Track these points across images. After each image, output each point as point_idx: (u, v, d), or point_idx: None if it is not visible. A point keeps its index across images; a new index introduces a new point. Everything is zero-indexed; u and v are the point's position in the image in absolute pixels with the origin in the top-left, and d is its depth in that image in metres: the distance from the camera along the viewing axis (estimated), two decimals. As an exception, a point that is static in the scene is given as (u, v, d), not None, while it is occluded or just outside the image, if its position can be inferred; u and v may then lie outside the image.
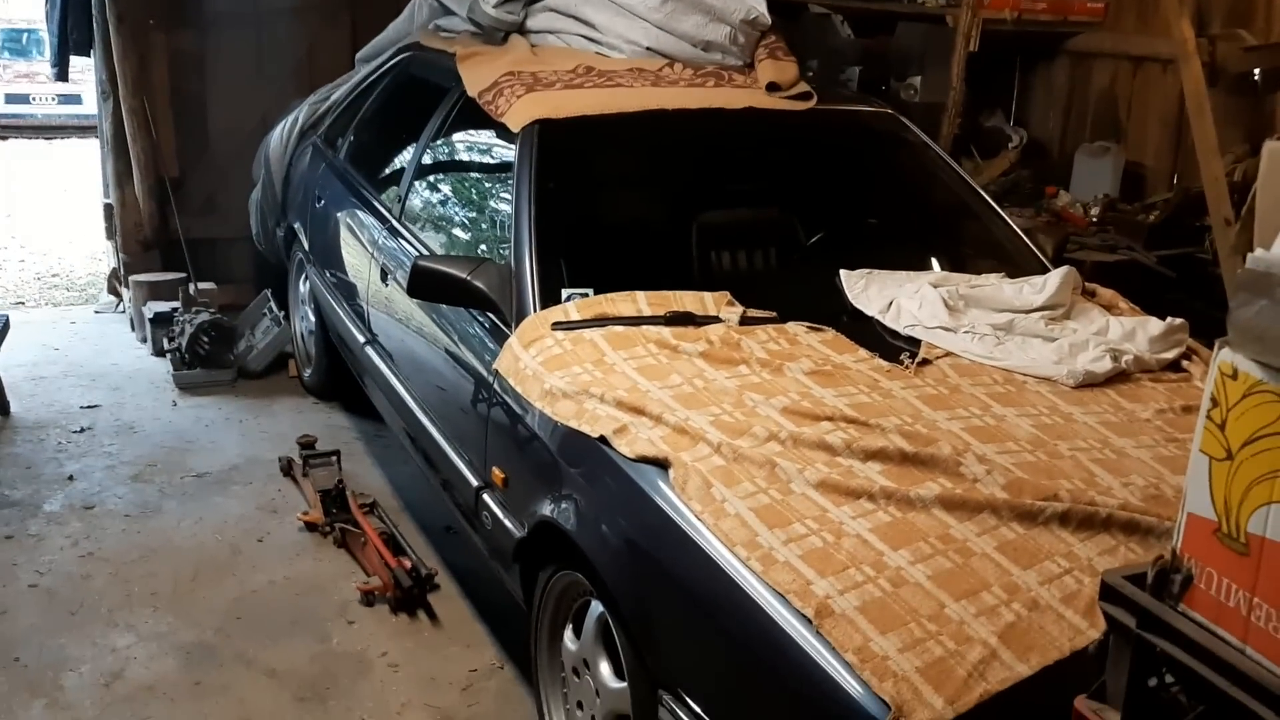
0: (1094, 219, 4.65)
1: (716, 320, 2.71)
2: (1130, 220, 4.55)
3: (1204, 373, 2.79)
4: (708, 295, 2.79)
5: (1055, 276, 2.97)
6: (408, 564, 3.27)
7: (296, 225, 4.62)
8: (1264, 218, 1.19)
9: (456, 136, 3.69)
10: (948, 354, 2.67)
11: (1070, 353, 2.71)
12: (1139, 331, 2.83)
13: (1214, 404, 1.15)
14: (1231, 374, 1.13)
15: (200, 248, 5.40)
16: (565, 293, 2.79)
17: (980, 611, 1.82)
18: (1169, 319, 2.86)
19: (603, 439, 2.29)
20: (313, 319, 4.51)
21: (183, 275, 5.26)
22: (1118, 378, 2.66)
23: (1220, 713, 1.14)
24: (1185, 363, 2.80)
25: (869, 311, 2.85)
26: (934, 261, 3.22)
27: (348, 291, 3.95)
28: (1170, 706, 1.20)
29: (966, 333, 2.75)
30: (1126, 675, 1.21)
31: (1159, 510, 2.07)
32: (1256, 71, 4.43)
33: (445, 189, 3.69)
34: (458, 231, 3.46)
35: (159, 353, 5.02)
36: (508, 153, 3.16)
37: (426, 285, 2.83)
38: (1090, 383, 2.61)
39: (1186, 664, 1.15)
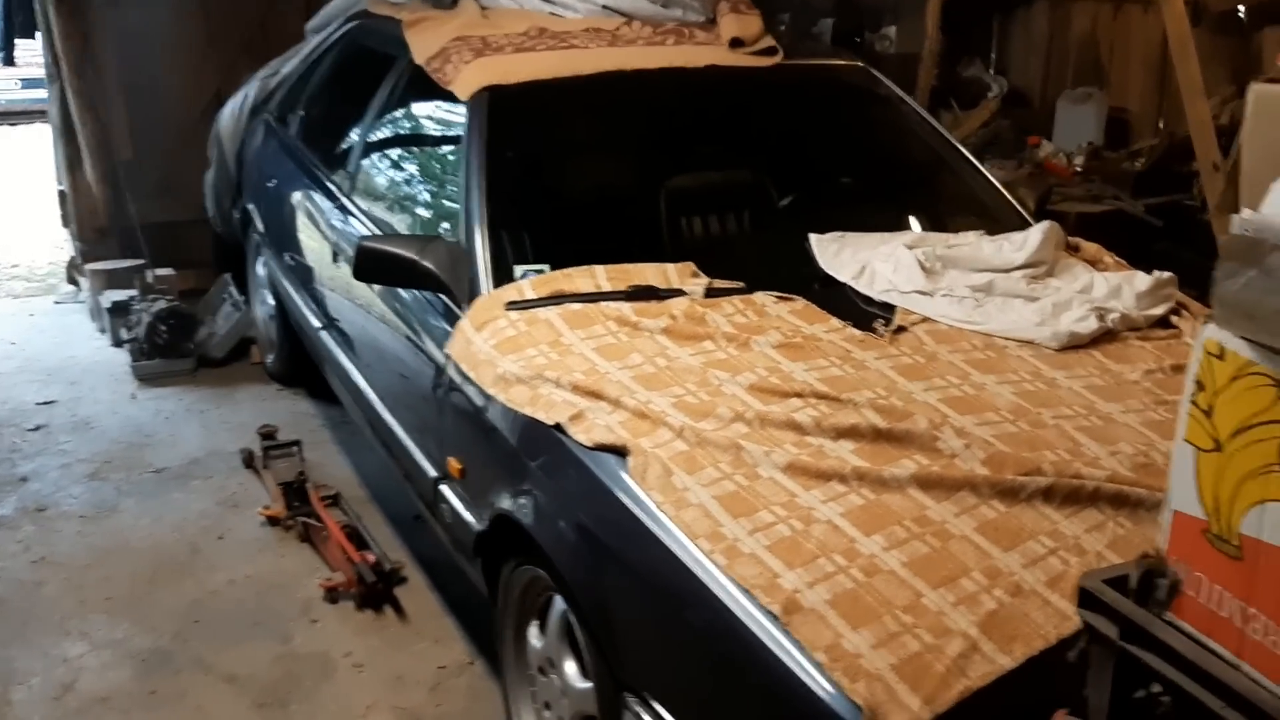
0: (1078, 169, 4.50)
1: (680, 294, 2.56)
2: (1115, 169, 4.40)
3: (1195, 328, 2.66)
4: (670, 267, 2.64)
5: (1036, 232, 2.83)
6: (372, 558, 3.14)
7: (251, 206, 4.46)
8: (1252, 172, 1.05)
9: (406, 108, 3.52)
10: (924, 320, 2.54)
11: (1053, 313, 2.57)
12: (1125, 287, 2.69)
13: (1199, 388, 1.00)
14: (1218, 354, 0.98)
15: (158, 232, 5.22)
16: (519, 270, 2.64)
17: (959, 600, 1.70)
18: (1156, 272, 2.73)
19: (558, 426, 2.15)
20: (272, 303, 4.36)
21: (140, 262, 5.09)
22: (1104, 337, 2.53)
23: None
24: (1175, 318, 2.66)
25: (841, 277, 2.70)
26: (910, 221, 3.07)
27: (303, 275, 3.80)
28: (1159, 720, 1.07)
29: (944, 296, 2.61)
30: (1109, 691, 1.08)
31: (1149, 480, 1.95)
32: (1241, 8, 4.27)
33: (395, 164, 3.52)
34: (408, 209, 3.30)
35: (118, 343, 4.86)
36: (458, 123, 3.00)
37: (373, 267, 2.67)
38: (1075, 344, 2.48)
39: (1175, 681, 1.01)
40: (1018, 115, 5.06)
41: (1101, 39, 4.97)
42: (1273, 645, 0.94)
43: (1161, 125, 4.67)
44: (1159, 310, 2.65)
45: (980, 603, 1.69)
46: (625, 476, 2.00)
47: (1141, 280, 2.70)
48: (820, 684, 1.58)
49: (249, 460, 3.81)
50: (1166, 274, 2.72)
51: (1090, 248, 2.98)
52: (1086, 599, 1.12)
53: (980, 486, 1.93)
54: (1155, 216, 4.11)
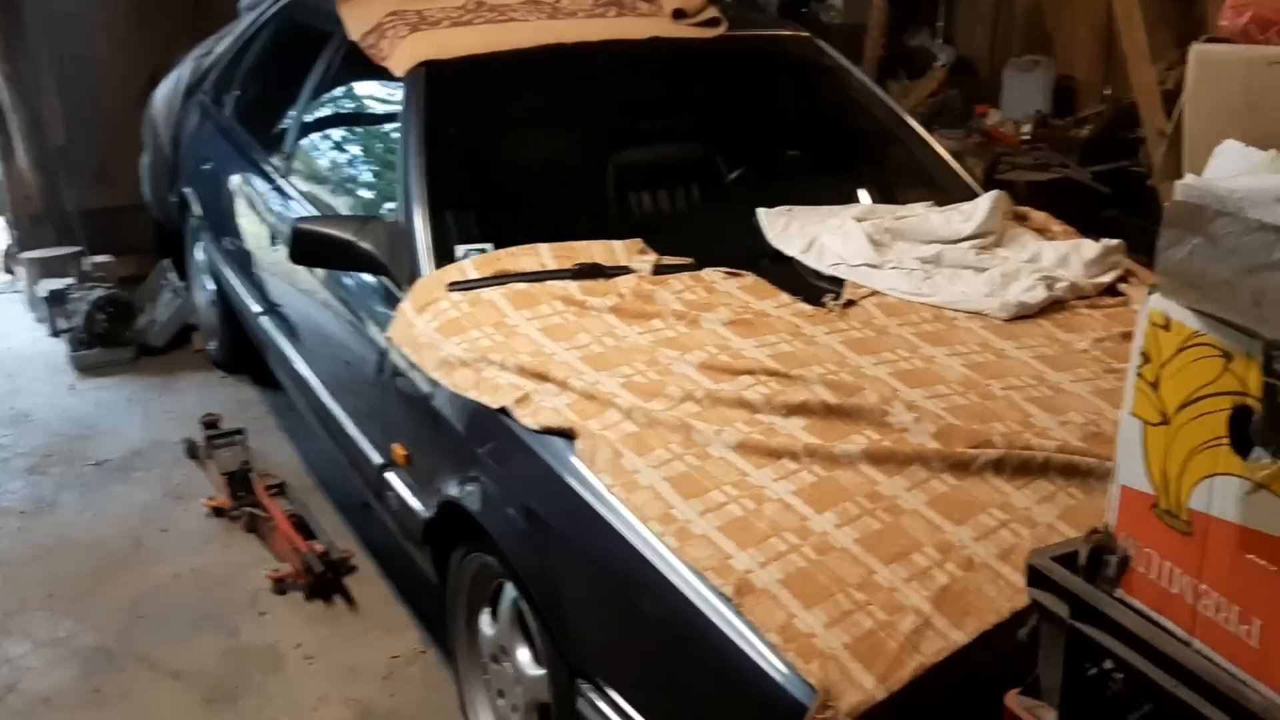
0: (1026, 137, 4.50)
1: (628, 271, 2.52)
2: (1063, 136, 4.39)
3: (1144, 296, 2.66)
4: (617, 244, 2.59)
5: (984, 202, 2.81)
6: (320, 548, 3.08)
7: (187, 190, 4.34)
8: (1194, 136, 1.02)
9: (341, 85, 3.43)
10: (873, 293, 2.51)
11: (1002, 283, 2.56)
12: (1073, 255, 2.68)
13: (1145, 360, 0.98)
14: (1164, 325, 0.95)
15: (94, 218, 5.08)
16: (461, 249, 2.58)
17: (912, 575, 1.68)
18: (1104, 240, 2.72)
19: (504, 410, 2.10)
20: (212, 288, 4.26)
21: (77, 249, 4.95)
22: (1052, 306, 2.51)
23: (1168, 710, 0.99)
24: (1123, 285, 2.66)
25: (790, 252, 2.67)
26: (858, 193, 3.04)
27: (242, 259, 3.71)
28: (1113, 700, 1.05)
29: (892, 269, 2.59)
30: (1061, 670, 1.05)
31: (1099, 450, 1.94)
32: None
33: (332, 144, 3.44)
34: (346, 189, 3.22)
35: (56, 333, 4.73)
36: (395, 100, 2.92)
37: (309, 250, 2.60)
38: (1024, 314, 2.46)
39: (1126, 659, 0.99)
40: (965, 84, 5.05)
41: (1048, 7, 4.96)
42: (1224, 621, 0.93)
43: (1108, 92, 4.67)
44: (1107, 278, 2.64)
45: (933, 578, 1.67)
46: (573, 460, 1.96)
47: (1089, 248, 2.69)
48: (774, 665, 1.56)
49: (192, 450, 3.73)
50: (1114, 241, 2.71)
51: (1038, 216, 2.97)
52: (1035, 577, 1.10)
53: (931, 460, 1.91)
54: (1103, 183, 4.12)
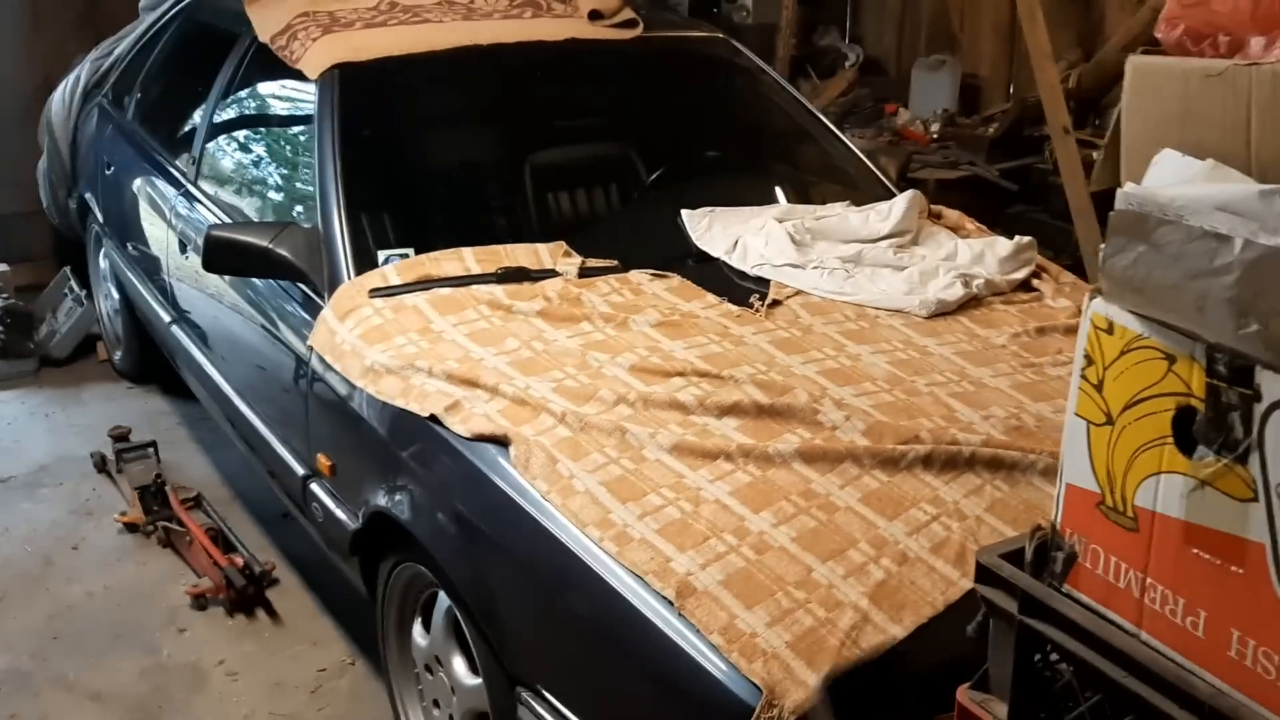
0: (935, 136, 4.59)
1: (553, 274, 2.51)
2: (970, 134, 4.50)
3: (1055, 290, 2.74)
4: (542, 247, 2.58)
5: (901, 202, 2.86)
6: (240, 561, 3.01)
7: (88, 195, 4.20)
8: (1133, 146, 1.05)
9: (251, 88, 3.35)
10: (798, 293, 2.54)
11: (921, 281, 2.61)
12: (988, 253, 2.74)
13: (1088, 362, 1.00)
14: (1106, 328, 0.98)
15: (-11, 226, 4.89)
16: (382, 255, 2.55)
17: (849, 571, 1.70)
18: (1017, 238, 2.79)
19: (433, 418, 2.08)
20: (117, 297, 4.13)
21: (-31, 258, 4.75)
22: (970, 303, 2.57)
23: (1116, 701, 1.02)
24: (1036, 281, 2.73)
25: (714, 253, 2.69)
26: (778, 194, 3.07)
27: (148, 266, 3.60)
28: (1062, 691, 1.08)
29: (815, 268, 2.62)
30: (1011, 664, 1.08)
31: (1022, 443, 1.99)
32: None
33: (243, 147, 3.36)
34: (259, 194, 3.15)
35: (-50, 346, 4.54)
36: (308, 102, 2.87)
37: (223, 257, 2.54)
38: (943, 311, 2.51)
39: (1075, 652, 1.02)
40: (875, 84, 5.13)
41: (952, 6, 5.07)
42: (1170, 613, 0.96)
43: (1012, 90, 4.79)
44: (1020, 274, 2.71)
45: (869, 573, 1.69)
46: (507, 466, 1.95)
47: (1003, 246, 2.76)
48: (718, 666, 1.57)
49: (101, 464, 3.61)
50: (1026, 239, 2.78)
51: (952, 215, 3.04)
52: (984, 574, 1.12)
53: (862, 457, 1.94)
54: (1010, 180, 4.23)
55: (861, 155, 3.26)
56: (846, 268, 2.66)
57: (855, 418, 2.04)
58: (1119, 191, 0.95)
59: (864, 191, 3.09)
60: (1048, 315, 2.56)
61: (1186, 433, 0.92)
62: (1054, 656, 1.06)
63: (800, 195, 3.10)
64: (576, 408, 2.03)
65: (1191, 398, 0.91)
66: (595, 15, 3.18)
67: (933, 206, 3.03)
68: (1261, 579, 0.88)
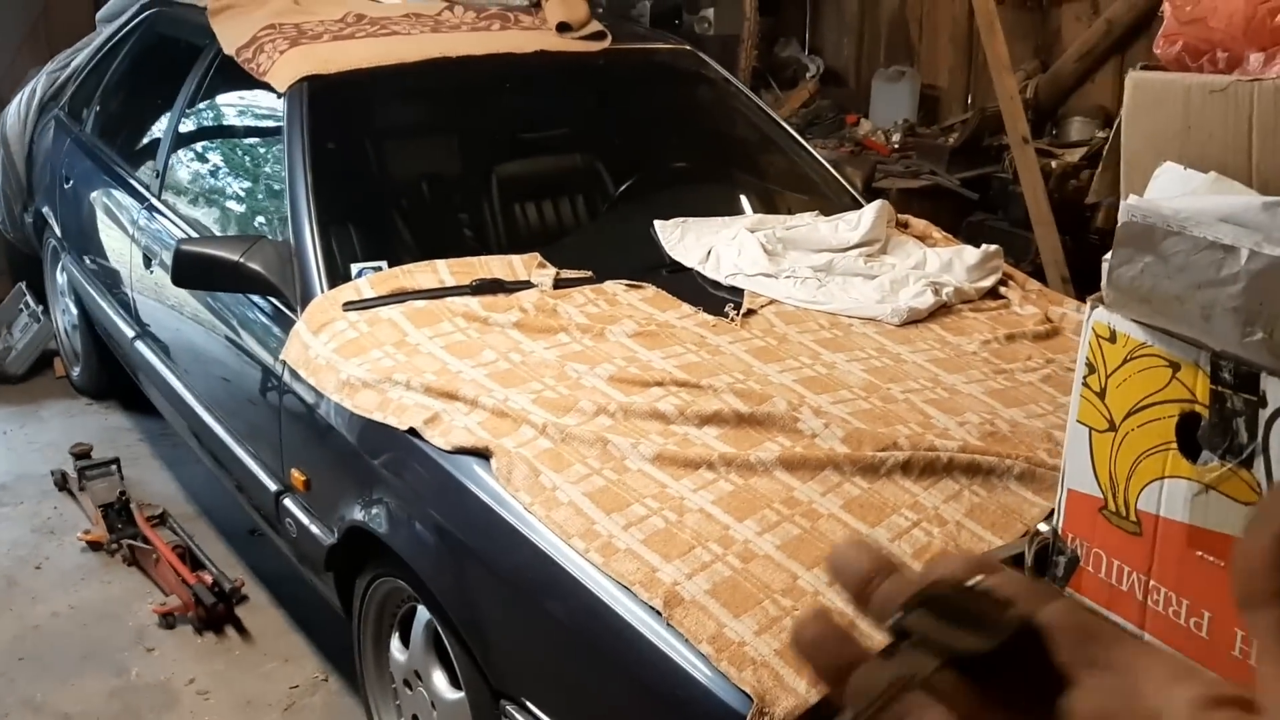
0: (896, 146, 4.64)
1: (528, 285, 2.51)
2: (931, 144, 4.55)
3: (1022, 297, 2.78)
4: (516, 259, 2.58)
5: (869, 211, 2.89)
6: (209, 578, 2.97)
7: (45, 210, 4.13)
8: (1133, 159, 1.06)
9: (216, 100, 3.32)
10: (772, 302, 2.56)
11: (892, 290, 2.63)
12: (955, 261, 2.78)
13: (1090, 370, 1.02)
14: (1109, 337, 1.00)
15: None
16: (355, 268, 2.53)
17: (836, 579, 1.71)
18: (984, 246, 2.83)
19: (413, 431, 2.07)
20: (75, 312, 4.06)
21: (-80, 274, 4.66)
22: (940, 311, 2.60)
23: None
24: (1003, 289, 2.76)
25: (688, 262, 2.70)
26: (748, 203, 3.10)
27: (109, 280, 3.55)
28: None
29: (787, 277, 2.64)
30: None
31: (998, 448, 2.02)
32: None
33: (209, 160, 3.32)
34: (227, 207, 3.12)
35: (-98, 364, 4.44)
36: (276, 115, 2.84)
37: (194, 272, 2.51)
38: (914, 319, 2.54)
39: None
40: (835, 95, 5.18)
41: (910, 18, 5.13)
42: (1173, 615, 0.97)
43: (971, 100, 4.86)
44: (988, 282, 2.75)
45: (854, 581, 1.71)
46: (488, 479, 1.94)
47: (970, 254, 2.80)
48: (707, 675, 1.57)
49: (63, 482, 3.55)
50: (993, 247, 2.82)
51: (918, 224, 3.07)
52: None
53: (842, 464, 1.95)
54: (970, 189, 4.28)
55: (828, 165, 3.29)
56: (818, 277, 2.68)
57: (834, 425, 2.06)
58: (1123, 204, 0.97)
59: (832, 201, 3.11)
60: (1016, 322, 2.60)
61: (1191, 438, 0.94)
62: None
63: (770, 205, 3.12)
64: (557, 419, 2.02)
65: (1196, 404, 0.93)
66: (564, 27, 3.18)
67: (900, 216, 3.07)
68: (1266, 579, 0.89)
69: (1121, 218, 0.94)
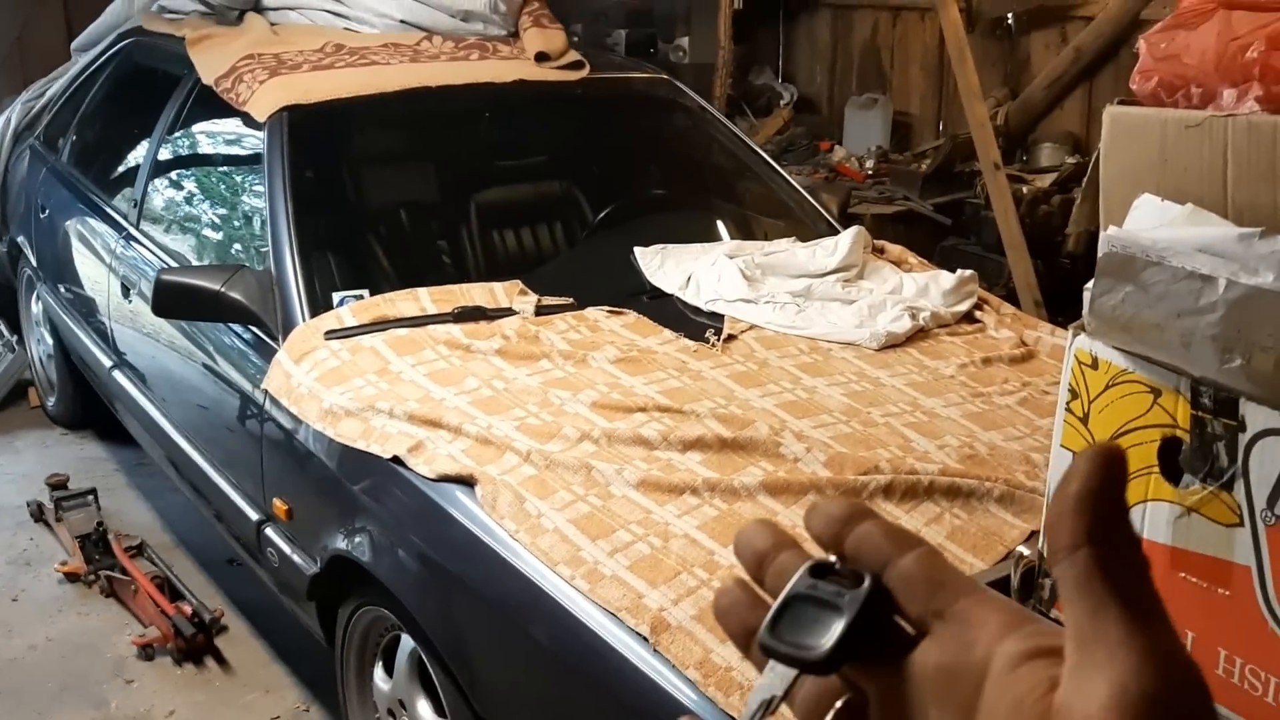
0: (869, 172, 4.69)
1: (510, 313, 2.52)
2: (903, 170, 4.61)
3: (997, 321, 2.82)
4: (498, 286, 2.59)
5: (846, 237, 2.92)
6: (188, 609, 2.95)
7: (20, 239, 4.12)
8: (1110, 192, 1.10)
9: (195, 129, 3.33)
10: (752, 327, 2.58)
11: (870, 314, 2.66)
12: (931, 286, 2.81)
13: (1073, 395, 1.04)
14: (1091, 363, 1.02)
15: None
16: (337, 296, 2.54)
17: (820, 604, 1.72)
18: (959, 271, 2.86)
19: (396, 459, 2.07)
20: (50, 341, 4.04)
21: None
22: (917, 335, 2.63)
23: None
24: (978, 313, 2.80)
25: (668, 289, 2.72)
26: (726, 230, 3.13)
27: (86, 309, 3.53)
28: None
29: (767, 303, 2.66)
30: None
31: (977, 471, 2.04)
32: (1010, 15, 4.55)
33: (188, 189, 3.33)
34: (206, 236, 3.12)
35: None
36: (256, 145, 2.85)
37: (174, 302, 2.51)
38: (893, 344, 2.57)
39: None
40: (809, 122, 5.24)
41: (882, 45, 5.21)
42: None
43: (942, 127, 4.93)
44: (964, 306, 2.78)
45: (840, 605, 1.72)
46: (473, 507, 1.95)
47: (946, 279, 2.83)
48: (695, 701, 1.58)
49: (39, 513, 3.52)
50: (968, 272, 2.86)
51: (894, 249, 3.11)
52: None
53: (825, 488, 1.97)
54: (943, 214, 4.34)
55: (805, 192, 3.33)
56: (797, 302, 2.70)
57: (816, 449, 2.07)
58: (1103, 235, 0.99)
59: (809, 227, 3.15)
60: (991, 346, 2.63)
61: (1172, 462, 0.96)
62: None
63: (748, 231, 3.16)
64: (541, 446, 2.03)
65: (1177, 429, 0.95)
66: (542, 57, 3.21)
67: (876, 241, 3.10)
68: (1248, 600, 0.92)
69: (1102, 248, 0.97)
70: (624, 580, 1.74)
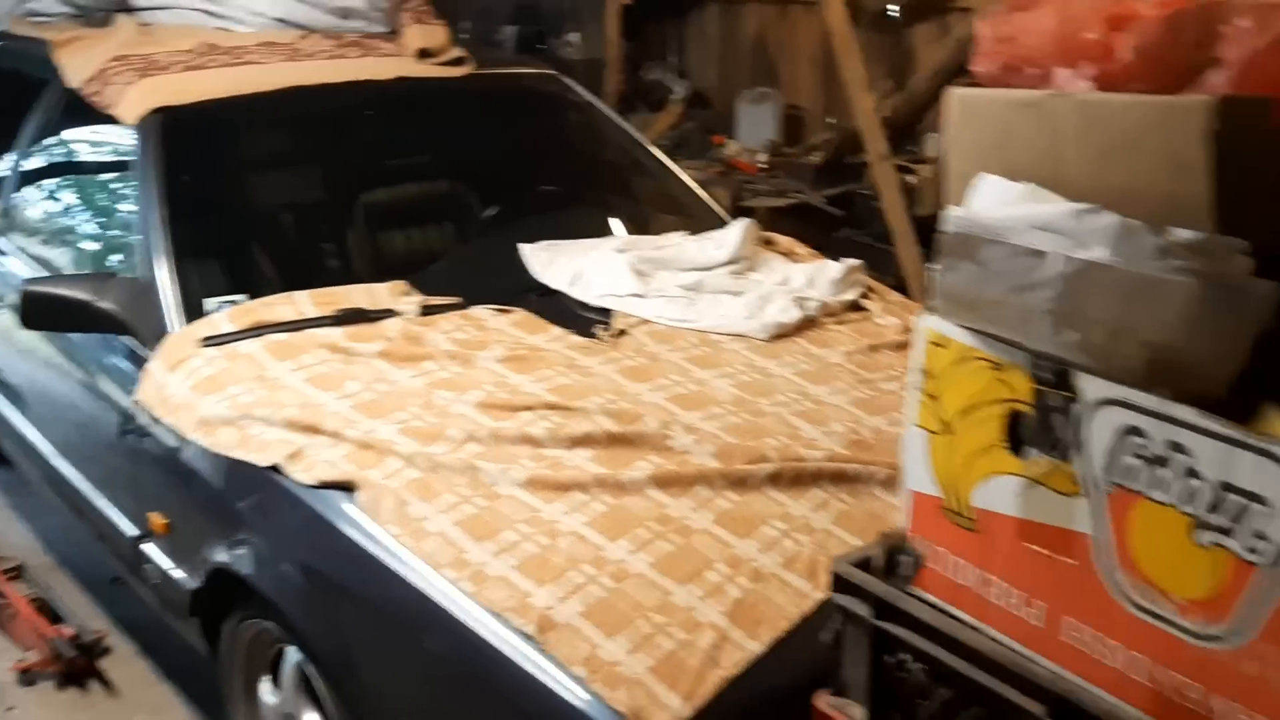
0: (762, 165, 4.72)
1: (393, 314, 2.47)
2: (795, 163, 4.64)
3: (884, 308, 2.85)
4: (380, 287, 2.54)
5: (735, 230, 2.93)
6: (69, 631, 2.84)
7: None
8: (956, 173, 1.11)
9: (63, 135, 3.20)
10: (643, 322, 2.57)
11: (759, 306, 2.67)
12: (819, 276, 2.83)
13: (925, 375, 1.05)
14: (940, 343, 1.03)
15: None
16: (213, 302, 2.46)
17: (707, 592, 1.73)
18: (845, 260, 2.89)
19: (275, 467, 2.01)
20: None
21: None
22: (806, 325, 2.65)
23: (965, 693, 1.06)
24: (865, 300, 2.83)
25: (556, 285, 2.69)
26: (616, 225, 3.11)
27: (-46, 326, 3.38)
28: (915, 689, 1.12)
29: (658, 297, 2.66)
30: (867, 667, 1.12)
31: (862, 456, 2.06)
32: (894, 7, 4.62)
33: (57, 197, 3.20)
34: (78, 245, 3.01)
35: None
36: (128, 149, 2.76)
37: (42, 314, 2.41)
38: (782, 334, 2.58)
39: (924, 650, 1.06)
40: (702, 116, 5.25)
41: (771, 40, 5.24)
42: (1010, 606, 1.01)
43: (832, 121, 4.98)
44: (851, 295, 2.81)
45: (726, 592, 1.72)
46: (355, 512, 1.90)
47: (833, 269, 2.86)
48: (582, 698, 1.56)
49: (-93, 540, 3.36)
50: (855, 261, 2.89)
51: (783, 241, 3.13)
52: (839, 583, 1.16)
53: (713, 479, 1.97)
54: (835, 206, 4.38)
55: (695, 186, 3.33)
56: (688, 295, 2.70)
57: (705, 441, 2.07)
58: (945, 215, 1.00)
59: (700, 221, 3.15)
60: (877, 333, 2.66)
61: (1017, 436, 0.98)
62: (906, 656, 1.10)
63: (638, 226, 3.15)
64: (425, 448, 2.00)
65: (1020, 403, 0.97)
66: (424, 53, 3.16)
67: (765, 233, 3.12)
68: (1090, 568, 0.94)
69: (944, 228, 0.98)
70: (510, 580, 1.72)
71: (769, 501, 1.94)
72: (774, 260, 2.97)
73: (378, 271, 2.76)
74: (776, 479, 1.98)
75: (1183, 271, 0.86)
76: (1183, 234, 0.87)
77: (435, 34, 3.22)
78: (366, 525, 1.88)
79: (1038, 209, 0.94)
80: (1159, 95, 0.94)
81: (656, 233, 3.04)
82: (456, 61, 3.16)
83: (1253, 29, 0.88)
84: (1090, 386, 0.92)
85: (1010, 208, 0.97)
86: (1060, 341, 0.90)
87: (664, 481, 1.95)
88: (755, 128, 4.98)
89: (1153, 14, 0.95)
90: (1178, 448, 0.90)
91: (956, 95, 1.16)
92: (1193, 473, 0.90)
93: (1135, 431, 0.91)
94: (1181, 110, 0.90)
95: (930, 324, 1.05)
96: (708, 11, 5.46)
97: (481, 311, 2.51)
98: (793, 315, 2.63)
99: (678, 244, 2.90)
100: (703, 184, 3.43)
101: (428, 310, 2.49)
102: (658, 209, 3.25)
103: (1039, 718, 0.96)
